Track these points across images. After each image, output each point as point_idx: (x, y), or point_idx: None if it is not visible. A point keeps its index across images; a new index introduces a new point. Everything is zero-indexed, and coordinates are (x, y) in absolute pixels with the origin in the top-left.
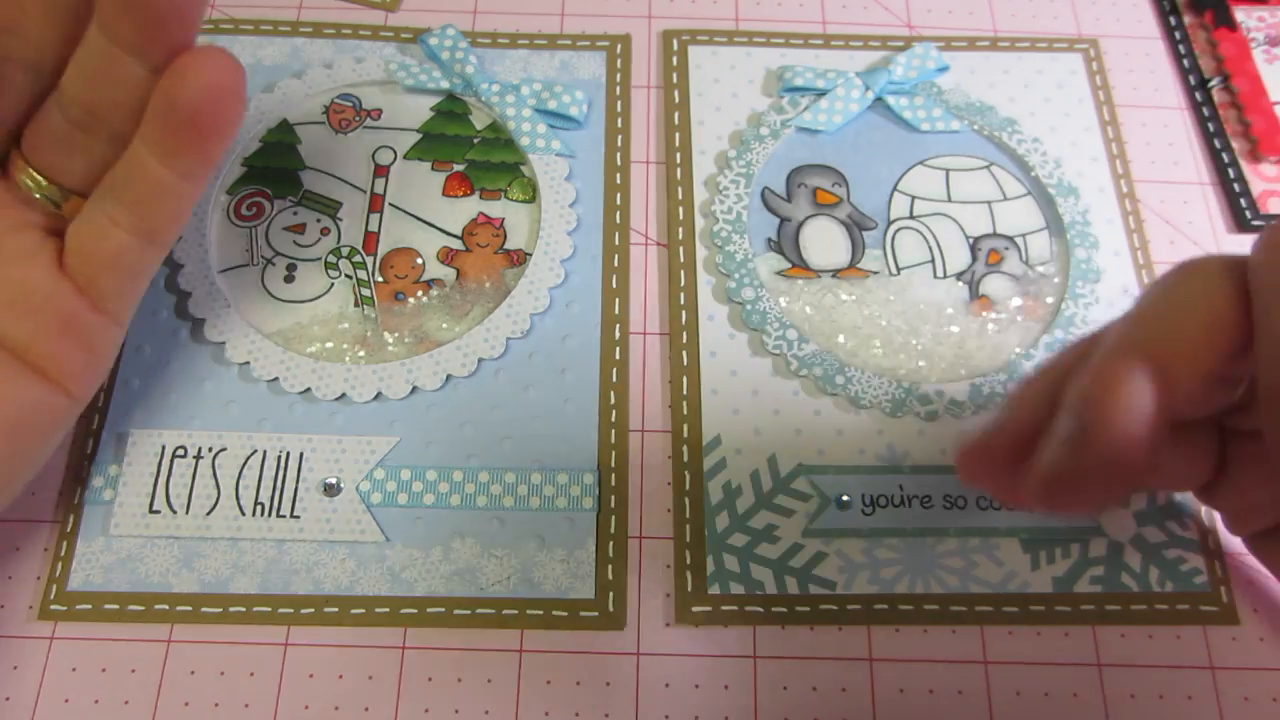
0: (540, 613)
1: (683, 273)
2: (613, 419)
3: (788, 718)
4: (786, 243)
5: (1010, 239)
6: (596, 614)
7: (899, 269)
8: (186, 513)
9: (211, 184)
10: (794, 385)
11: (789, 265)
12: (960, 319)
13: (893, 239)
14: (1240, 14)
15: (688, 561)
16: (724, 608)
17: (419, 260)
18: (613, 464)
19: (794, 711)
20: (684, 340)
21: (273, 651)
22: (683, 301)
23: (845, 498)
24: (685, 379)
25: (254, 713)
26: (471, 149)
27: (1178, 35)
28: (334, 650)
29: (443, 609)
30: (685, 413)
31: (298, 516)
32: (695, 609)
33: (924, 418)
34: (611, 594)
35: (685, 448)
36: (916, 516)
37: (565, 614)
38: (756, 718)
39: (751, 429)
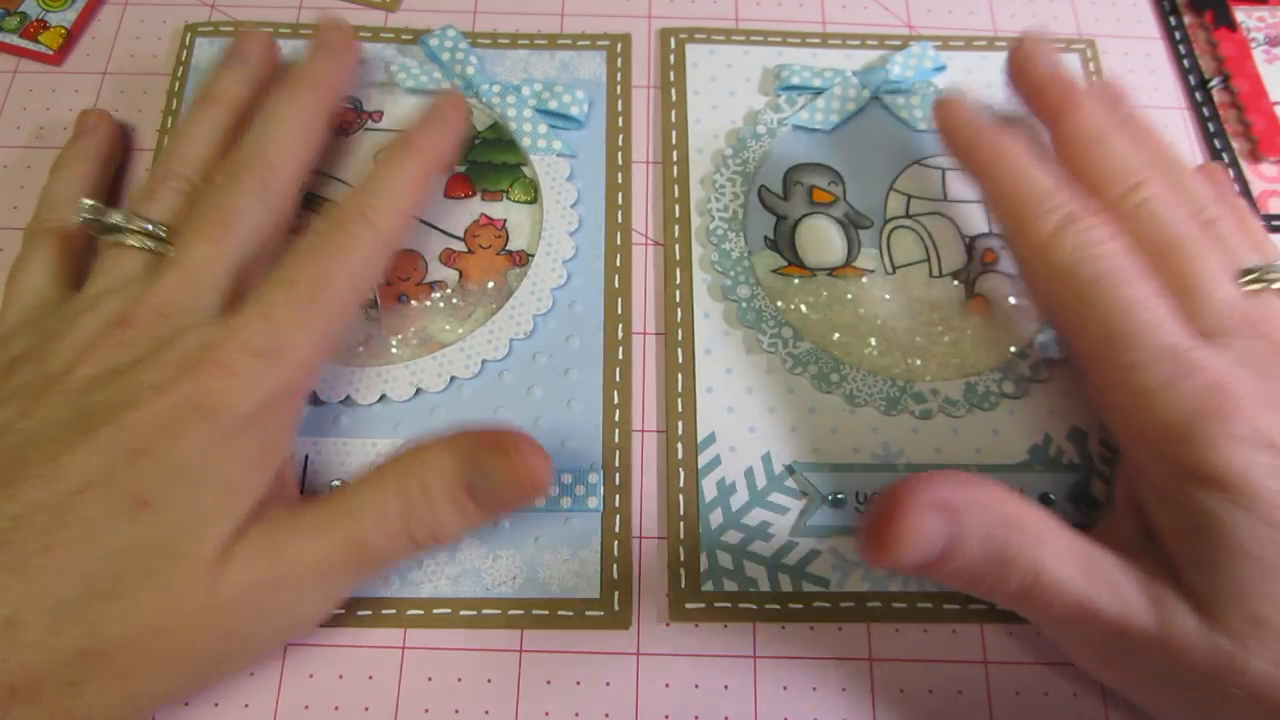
0: (546, 613)
1: (678, 270)
2: (616, 418)
3: (788, 718)
4: (782, 241)
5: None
6: (602, 613)
7: (895, 268)
8: None
9: None
10: (789, 383)
11: (785, 263)
12: (956, 318)
13: (889, 238)
14: (1240, 14)
15: (681, 558)
16: (717, 605)
17: (421, 262)
18: (617, 463)
19: (794, 711)
20: (679, 337)
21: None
22: (678, 299)
23: (839, 495)
24: (680, 376)
25: (253, 712)
26: (472, 150)
27: (1178, 35)
28: (333, 650)
29: (448, 610)
30: (680, 410)
31: None
32: (689, 606)
33: (919, 416)
34: (617, 593)
35: (680, 445)
36: None
37: (571, 614)
38: (756, 718)
39: (746, 426)
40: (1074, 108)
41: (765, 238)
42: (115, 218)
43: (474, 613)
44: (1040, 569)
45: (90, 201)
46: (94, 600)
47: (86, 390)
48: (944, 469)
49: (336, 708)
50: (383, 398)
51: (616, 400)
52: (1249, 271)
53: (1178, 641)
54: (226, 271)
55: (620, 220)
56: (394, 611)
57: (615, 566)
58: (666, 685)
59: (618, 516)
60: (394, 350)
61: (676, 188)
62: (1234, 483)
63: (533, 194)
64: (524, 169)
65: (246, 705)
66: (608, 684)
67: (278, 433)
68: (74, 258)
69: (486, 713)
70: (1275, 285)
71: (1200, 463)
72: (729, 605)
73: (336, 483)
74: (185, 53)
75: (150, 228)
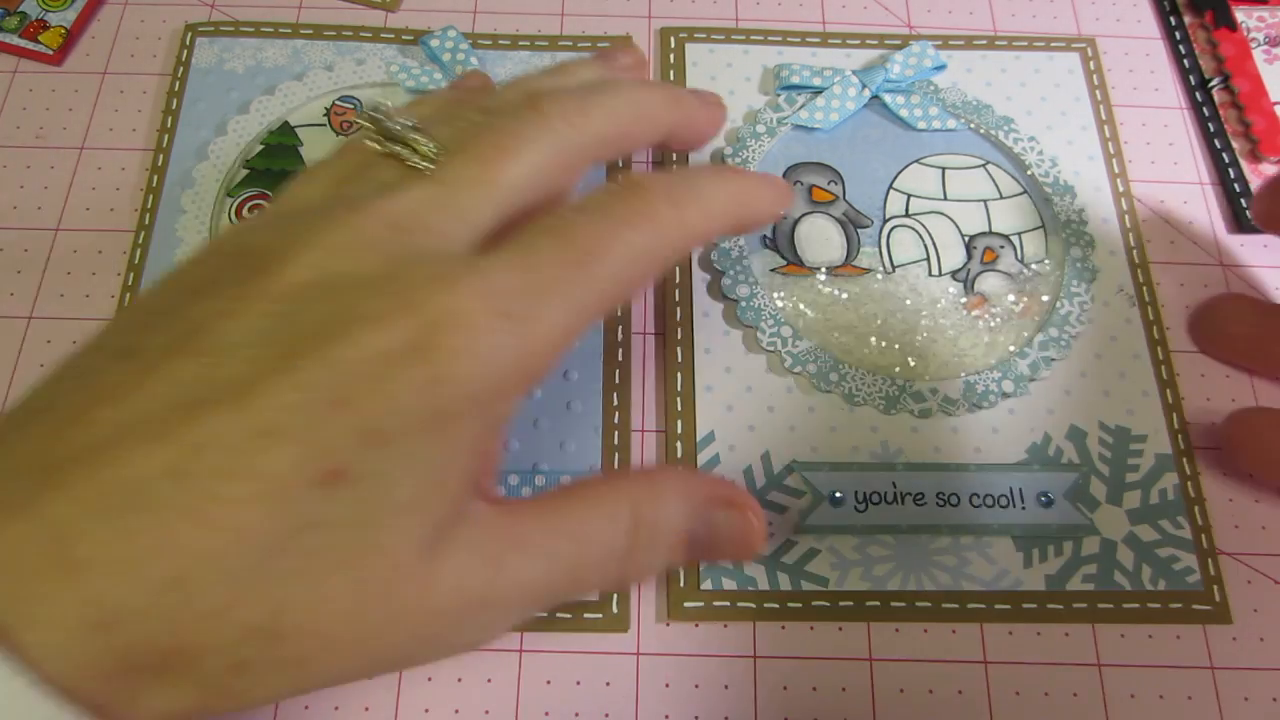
0: (543, 614)
1: (677, 269)
2: (616, 420)
3: (788, 718)
4: (782, 240)
5: (1006, 237)
6: (600, 615)
7: (894, 267)
8: None
9: (213, 185)
10: (788, 382)
11: (784, 262)
12: (955, 317)
13: (888, 237)
14: (1240, 14)
15: None
16: (716, 604)
17: None
18: (616, 466)
19: (794, 711)
20: (678, 337)
21: None
22: (677, 298)
23: (838, 494)
24: (679, 375)
25: (253, 712)
26: None
27: (1178, 35)
28: None
29: None
30: (679, 409)
31: None
32: (687, 604)
33: (917, 415)
34: (615, 595)
35: (679, 444)
36: (909, 514)
37: (569, 616)
38: (756, 718)
39: (745, 425)
40: None
41: (764, 237)
42: (393, 123)
43: None
44: None
45: (383, 103)
46: (276, 577)
47: (294, 299)
48: None
49: (336, 708)
50: None
51: (616, 402)
52: None
53: None
54: (491, 204)
55: None
56: None
57: None
58: (666, 685)
59: None
60: None
61: None
62: None
63: None
64: None
65: None
66: (608, 684)
67: (495, 423)
68: None
69: (487, 713)
70: None
71: None
72: (728, 604)
73: (502, 481)
74: (185, 53)
75: (425, 141)
